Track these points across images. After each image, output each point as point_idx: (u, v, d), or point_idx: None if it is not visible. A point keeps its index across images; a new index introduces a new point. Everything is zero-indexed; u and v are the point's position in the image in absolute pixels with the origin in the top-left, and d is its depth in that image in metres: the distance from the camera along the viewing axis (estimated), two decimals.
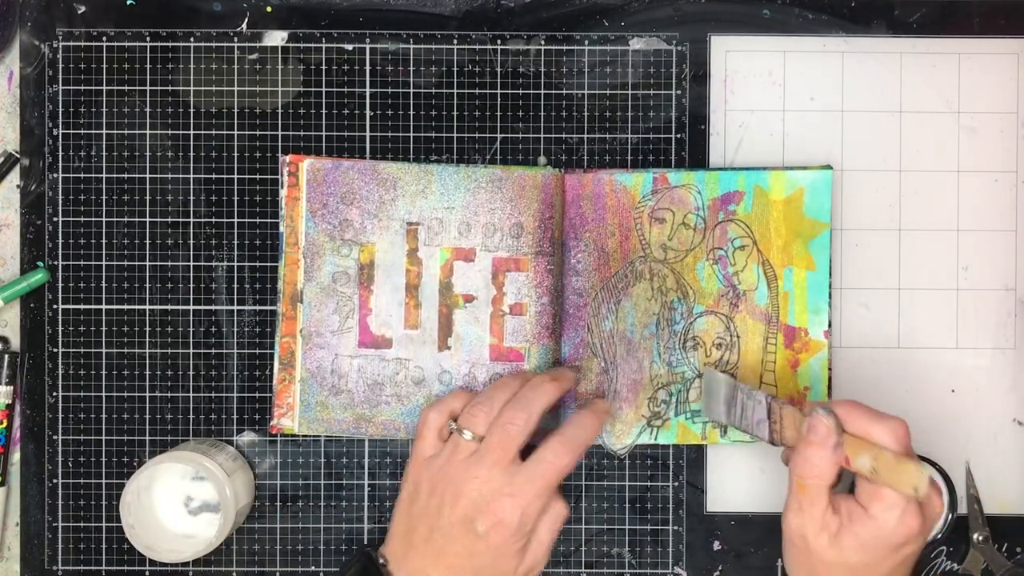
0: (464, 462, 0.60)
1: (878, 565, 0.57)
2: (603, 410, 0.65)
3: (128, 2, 0.70)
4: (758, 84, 0.70)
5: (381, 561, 0.62)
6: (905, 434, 0.57)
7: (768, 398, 0.61)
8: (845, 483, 0.59)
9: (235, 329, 0.69)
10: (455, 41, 0.70)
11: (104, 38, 0.69)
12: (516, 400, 0.62)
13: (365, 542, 0.69)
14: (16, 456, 0.69)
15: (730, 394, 0.64)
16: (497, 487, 0.59)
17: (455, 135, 0.70)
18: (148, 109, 0.70)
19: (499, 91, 0.70)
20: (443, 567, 0.60)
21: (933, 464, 0.68)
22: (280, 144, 0.69)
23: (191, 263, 0.69)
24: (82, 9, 0.69)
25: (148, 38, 0.69)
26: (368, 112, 0.70)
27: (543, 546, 0.62)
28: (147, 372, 0.69)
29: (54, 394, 0.69)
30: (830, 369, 0.68)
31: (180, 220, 0.70)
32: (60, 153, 0.69)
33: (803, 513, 0.57)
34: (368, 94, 0.70)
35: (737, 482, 0.70)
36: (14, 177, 0.70)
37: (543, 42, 0.70)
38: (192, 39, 0.69)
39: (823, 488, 0.57)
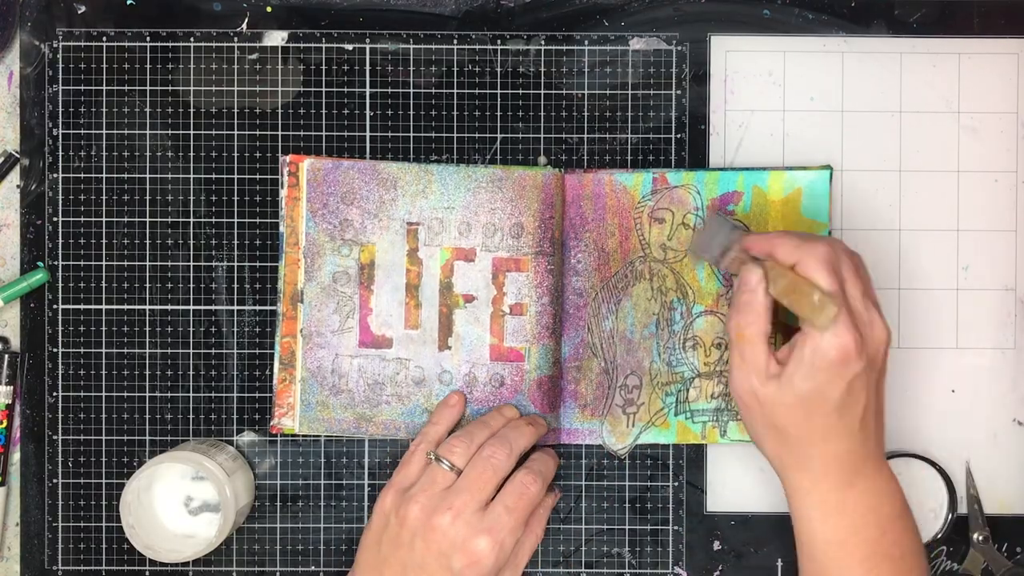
0: (440, 493, 0.60)
1: (828, 390, 0.56)
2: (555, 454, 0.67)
3: (128, 2, 0.70)
4: (758, 84, 0.70)
5: None
6: (829, 255, 0.57)
7: (732, 231, 0.62)
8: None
9: (235, 329, 0.69)
10: (455, 41, 0.70)
11: (104, 38, 0.69)
12: (498, 437, 0.63)
13: None
14: (16, 456, 0.69)
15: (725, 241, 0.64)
16: (473, 523, 0.59)
17: (455, 135, 0.70)
18: (148, 109, 0.70)
19: (499, 91, 0.70)
20: None
21: (933, 464, 0.68)
22: (280, 144, 0.69)
23: (191, 263, 0.69)
24: (82, 9, 0.69)
25: (148, 38, 0.70)
26: (368, 112, 0.70)
27: (517, 573, 0.63)
28: (147, 372, 0.69)
29: (54, 394, 0.69)
30: None
31: (180, 220, 0.70)
32: (60, 153, 0.69)
33: (745, 363, 0.58)
34: (368, 94, 0.70)
35: (737, 482, 0.70)
36: (14, 177, 0.70)
37: (543, 42, 0.70)
38: (192, 39, 0.69)
39: (761, 334, 0.58)
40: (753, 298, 0.58)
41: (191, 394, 0.69)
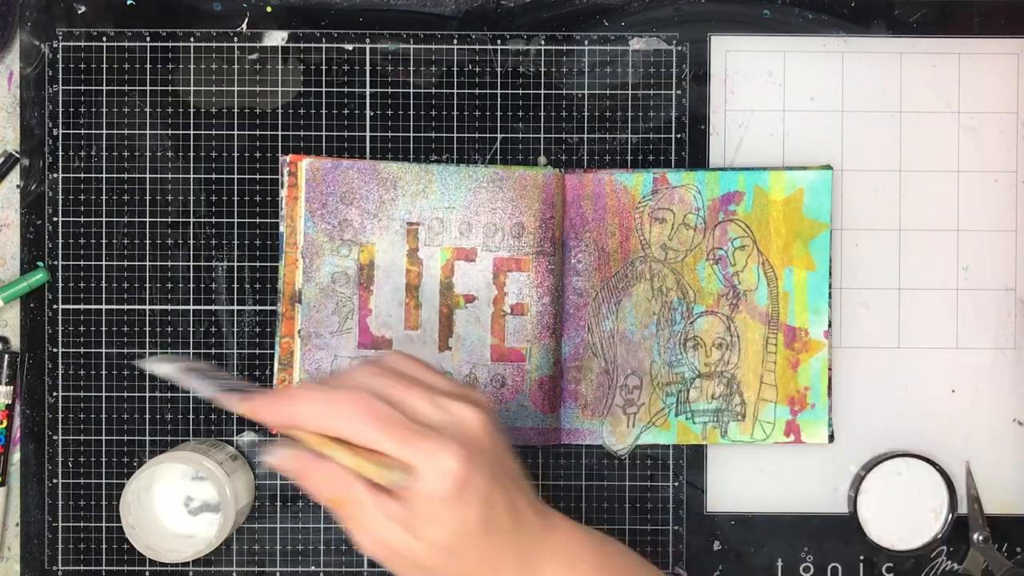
0: None
1: (465, 523, 0.48)
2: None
3: (128, 2, 0.70)
4: (758, 84, 0.70)
5: None
6: (366, 413, 0.47)
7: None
8: None
9: (235, 329, 0.69)
10: (455, 41, 0.70)
11: (104, 38, 0.69)
12: None
13: None
14: (16, 456, 0.69)
15: None
16: None
17: (455, 135, 0.70)
18: (148, 109, 0.70)
19: (499, 91, 0.70)
20: None
21: (933, 464, 0.68)
22: (280, 144, 0.69)
23: (191, 263, 0.69)
24: (82, 9, 0.69)
25: (148, 38, 0.69)
26: (368, 112, 0.70)
27: None
28: (147, 372, 0.69)
29: (54, 394, 0.69)
30: (830, 369, 0.68)
31: (180, 220, 0.69)
32: (60, 153, 0.69)
33: (358, 523, 0.49)
34: (368, 94, 0.70)
35: (737, 482, 0.70)
36: (14, 177, 0.70)
37: (543, 42, 0.70)
38: (192, 39, 0.69)
39: (358, 490, 0.48)
40: (321, 470, 0.48)
41: (191, 394, 0.69)
